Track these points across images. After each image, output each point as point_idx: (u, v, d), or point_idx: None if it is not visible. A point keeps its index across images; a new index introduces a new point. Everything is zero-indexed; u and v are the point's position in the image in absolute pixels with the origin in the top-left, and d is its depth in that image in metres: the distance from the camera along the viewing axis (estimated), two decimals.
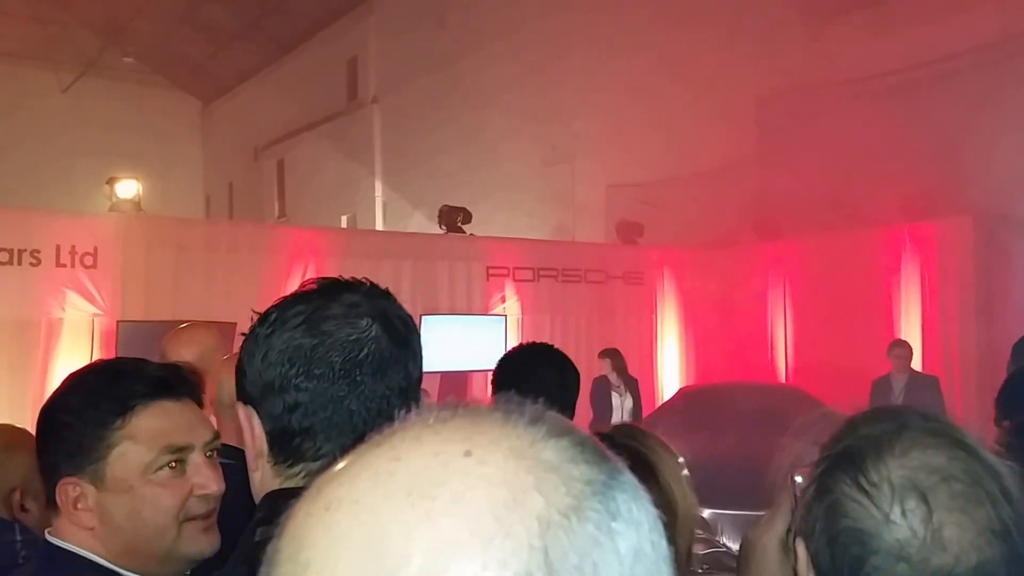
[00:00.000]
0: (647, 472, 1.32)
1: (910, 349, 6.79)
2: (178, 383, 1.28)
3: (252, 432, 0.97)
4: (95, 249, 6.97)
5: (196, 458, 1.25)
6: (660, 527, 0.44)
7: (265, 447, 0.96)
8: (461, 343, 8.73)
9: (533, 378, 2.05)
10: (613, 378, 7.56)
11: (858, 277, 8.57)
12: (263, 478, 0.97)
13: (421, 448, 0.41)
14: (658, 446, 1.45)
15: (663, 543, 0.44)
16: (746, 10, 10.11)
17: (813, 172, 8.94)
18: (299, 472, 0.94)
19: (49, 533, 1.22)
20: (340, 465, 0.44)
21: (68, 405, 1.24)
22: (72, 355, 6.73)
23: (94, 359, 6.71)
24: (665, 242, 10.49)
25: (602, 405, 7.42)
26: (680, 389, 9.08)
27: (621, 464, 0.45)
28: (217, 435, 1.32)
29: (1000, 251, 8.00)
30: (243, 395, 0.98)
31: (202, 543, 1.24)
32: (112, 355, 6.54)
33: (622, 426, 1.56)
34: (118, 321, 6.74)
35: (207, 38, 18.70)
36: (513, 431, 0.43)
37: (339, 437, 0.93)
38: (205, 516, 1.24)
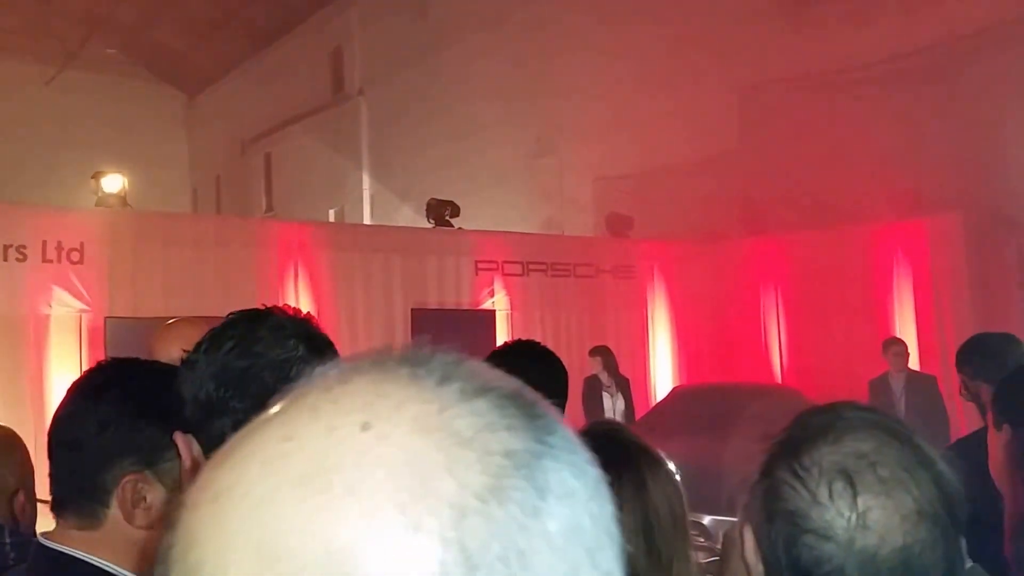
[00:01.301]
0: (624, 474, 1.27)
1: (906, 348, 6.75)
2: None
3: (191, 457, 1.00)
4: (82, 245, 6.90)
5: None
6: (603, 491, 0.39)
7: None
8: (451, 338, 8.70)
9: (520, 378, 2.03)
10: (604, 378, 7.50)
11: (850, 274, 8.59)
12: None
13: (316, 422, 0.36)
14: (638, 445, 1.40)
15: (606, 509, 0.38)
16: (728, 3, 10.12)
17: (799, 166, 8.95)
18: None
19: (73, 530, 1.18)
20: (232, 442, 0.39)
21: (148, 395, 1.20)
22: (60, 352, 6.67)
23: (83, 356, 6.67)
24: (655, 236, 10.49)
25: (593, 406, 7.34)
26: (674, 389, 9.06)
27: (554, 422, 0.39)
28: None
29: (991, 247, 8.04)
30: (181, 424, 1.01)
31: None
32: (100, 353, 6.49)
33: (600, 423, 1.51)
34: (106, 318, 6.68)
35: (189, 29, 18.55)
36: (419, 393, 0.37)
37: None
38: None
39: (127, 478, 1.15)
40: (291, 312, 1.07)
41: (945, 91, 8.49)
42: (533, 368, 2.05)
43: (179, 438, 1.02)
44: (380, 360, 0.40)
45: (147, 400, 1.19)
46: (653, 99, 10.65)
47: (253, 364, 0.98)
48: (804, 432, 0.92)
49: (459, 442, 0.35)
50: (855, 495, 0.85)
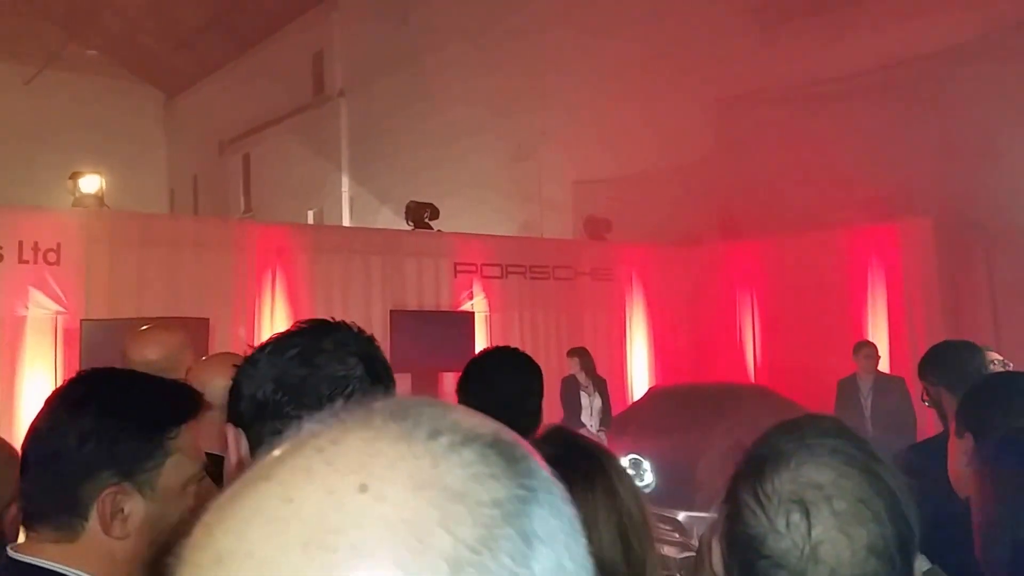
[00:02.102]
0: (597, 482, 1.30)
1: (876, 350, 6.85)
2: (201, 404, 1.31)
3: (238, 453, 1.02)
4: (58, 245, 6.85)
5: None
6: (577, 529, 0.42)
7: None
8: (431, 340, 8.74)
9: (497, 385, 2.06)
10: (582, 378, 7.58)
11: (824, 278, 8.71)
12: None
13: (313, 484, 0.38)
14: (601, 450, 1.43)
15: (582, 547, 0.41)
16: (704, 12, 10.24)
17: (775, 173, 9.07)
18: None
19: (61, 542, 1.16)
20: (227, 495, 0.39)
21: (124, 409, 1.21)
22: (35, 355, 6.63)
23: (58, 359, 6.63)
24: (633, 239, 10.57)
25: (571, 405, 7.44)
26: (650, 389, 9.14)
27: (533, 463, 0.41)
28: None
29: (961, 251, 8.19)
30: (234, 416, 1.03)
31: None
32: (75, 355, 6.46)
33: (555, 430, 1.53)
34: (82, 320, 6.64)
35: (172, 31, 18.43)
36: (411, 449, 0.39)
37: None
38: None
39: (107, 491, 1.16)
40: (356, 330, 1.09)
41: (916, 102, 8.65)
42: (510, 375, 2.09)
43: (230, 432, 1.04)
44: (369, 416, 0.41)
45: (127, 411, 1.20)
46: (632, 106, 10.74)
47: (312, 374, 1.00)
48: (769, 453, 0.93)
49: (451, 496, 0.37)
50: (809, 527, 0.87)
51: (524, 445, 0.43)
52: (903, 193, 8.23)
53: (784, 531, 0.88)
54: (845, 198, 8.47)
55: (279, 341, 1.04)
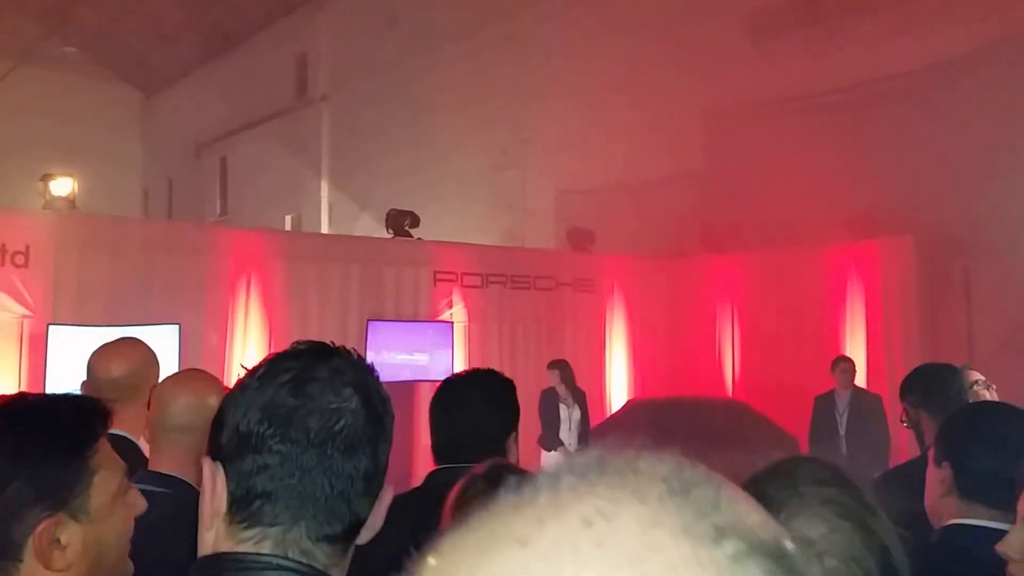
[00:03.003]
0: None
1: (854, 365, 6.87)
2: (109, 412, 1.27)
3: (214, 489, 0.93)
4: (27, 248, 6.68)
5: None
6: None
7: (224, 507, 0.92)
8: (409, 350, 8.63)
9: (464, 406, 1.99)
10: (561, 390, 7.51)
11: (804, 293, 8.72)
12: (216, 537, 0.93)
13: (582, 570, 0.32)
14: None
15: None
16: (694, 24, 10.25)
17: (759, 187, 9.08)
18: (253, 537, 0.91)
19: None
20: (476, 559, 0.34)
21: (37, 439, 1.15)
22: (0, 358, 6.44)
23: (23, 364, 6.44)
24: (615, 251, 10.52)
25: (550, 417, 7.38)
26: (628, 401, 9.10)
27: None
28: None
29: (941, 270, 8.22)
30: (214, 449, 0.95)
31: (130, 566, 1.25)
32: (41, 360, 6.28)
33: (500, 465, 1.44)
34: (48, 324, 6.46)
35: (153, 30, 18.20)
36: (695, 553, 0.33)
37: (299, 508, 0.90)
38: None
39: (40, 527, 1.11)
40: (355, 356, 1.00)
41: (899, 118, 8.69)
42: (472, 394, 2.01)
43: (207, 466, 0.94)
44: (642, 484, 0.35)
45: (41, 443, 1.14)
46: (618, 117, 10.73)
47: (302, 405, 0.92)
48: (760, 499, 0.87)
49: None
50: None
51: (798, 556, 0.37)
52: (885, 210, 8.25)
53: None
54: (827, 214, 8.48)
55: (272, 364, 0.95)
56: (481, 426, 1.93)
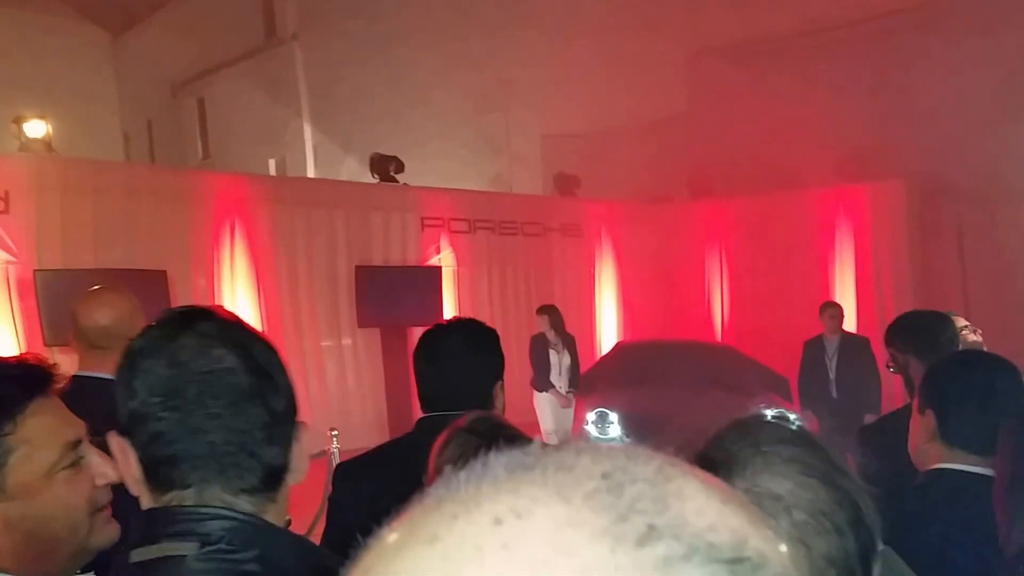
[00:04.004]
0: None
1: (842, 310, 6.90)
2: (47, 379, 1.21)
3: (127, 461, 0.98)
4: (6, 193, 6.54)
5: (87, 448, 1.21)
6: None
7: (139, 474, 0.97)
8: (397, 296, 8.60)
9: (448, 355, 1.99)
10: (551, 336, 7.51)
11: (793, 238, 8.74)
12: (144, 501, 0.99)
13: (483, 570, 0.30)
14: (526, 440, 1.37)
15: None
16: None
17: (745, 131, 9.01)
18: (172, 500, 0.96)
19: None
20: (391, 556, 0.32)
21: None
22: None
23: (14, 309, 6.36)
24: (603, 196, 10.47)
25: (540, 363, 7.39)
26: (617, 344, 9.15)
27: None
28: (83, 426, 1.25)
29: (931, 214, 8.24)
30: (119, 426, 0.98)
31: (109, 532, 1.22)
32: (33, 305, 6.21)
33: (479, 419, 1.44)
34: (35, 270, 6.36)
35: None
36: (613, 558, 0.30)
37: (205, 469, 0.95)
38: (108, 505, 1.22)
39: None
40: (224, 315, 1.02)
41: (891, 62, 8.62)
42: (467, 351, 2.00)
43: (115, 443, 0.97)
44: (566, 480, 0.32)
45: None
46: (602, 61, 10.57)
47: (177, 375, 0.95)
48: (722, 458, 0.85)
49: None
50: None
51: (773, 561, 0.32)
52: (875, 155, 8.24)
53: None
54: (816, 157, 8.45)
55: (144, 338, 0.99)
56: (466, 375, 1.93)
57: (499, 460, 0.34)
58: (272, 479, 0.98)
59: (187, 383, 0.94)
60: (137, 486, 0.98)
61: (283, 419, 0.99)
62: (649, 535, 0.30)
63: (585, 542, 0.30)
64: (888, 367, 3.09)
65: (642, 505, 0.31)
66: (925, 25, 8.42)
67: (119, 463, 0.99)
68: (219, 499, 0.94)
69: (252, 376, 0.97)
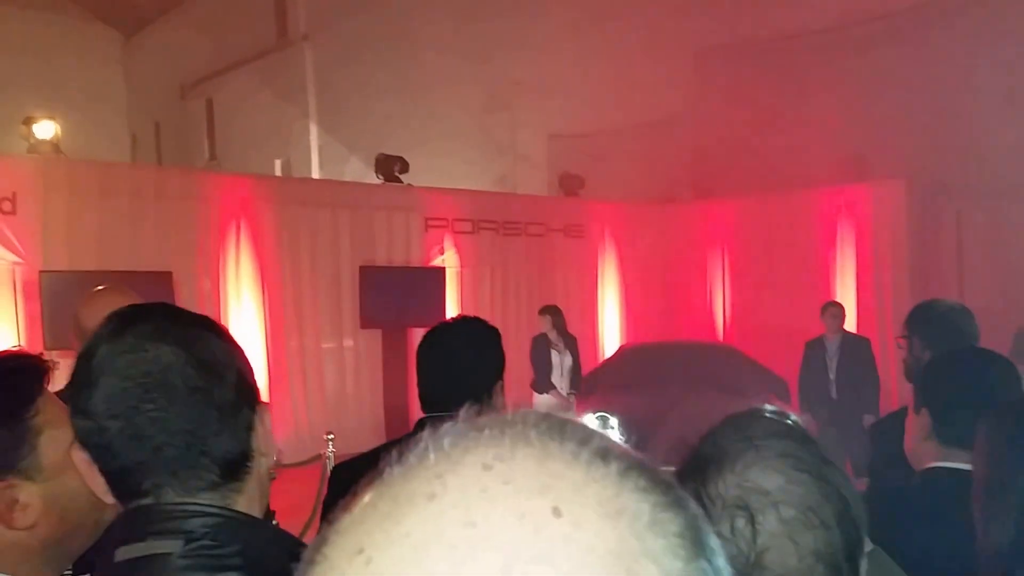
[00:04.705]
0: None
1: (843, 310, 6.91)
2: (45, 368, 1.25)
3: (92, 474, 0.98)
4: (13, 194, 6.61)
5: None
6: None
7: (104, 486, 0.98)
8: (400, 296, 8.64)
9: (449, 354, 2.00)
10: (553, 336, 7.52)
11: (795, 238, 8.74)
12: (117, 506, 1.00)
13: (496, 506, 0.33)
14: None
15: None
16: None
17: (749, 132, 9.01)
18: (134, 508, 0.96)
19: None
20: (389, 519, 0.34)
21: None
22: None
23: (19, 310, 6.43)
24: (607, 196, 10.48)
25: (542, 363, 7.41)
26: (621, 346, 9.15)
27: (674, 484, 0.38)
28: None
29: (932, 213, 8.23)
30: (77, 435, 0.99)
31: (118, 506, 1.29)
32: (37, 307, 6.28)
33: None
34: (41, 271, 6.43)
35: None
36: (589, 473, 0.35)
37: (155, 474, 0.93)
38: None
39: None
40: (167, 311, 1.01)
41: (892, 60, 8.60)
42: (468, 350, 2.01)
43: (76, 454, 0.98)
44: (518, 431, 0.37)
45: None
46: (607, 61, 10.57)
47: (116, 382, 0.95)
48: (714, 453, 0.89)
49: (646, 526, 0.34)
50: (755, 534, 0.84)
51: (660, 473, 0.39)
52: (876, 155, 8.23)
53: (728, 536, 0.84)
54: (819, 157, 8.45)
55: (89, 349, 0.98)
56: (466, 375, 1.92)
57: (438, 435, 0.38)
58: (232, 470, 0.96)
59: (124, 390, 0.93)
60: (108, 496, 0.98)
61: (234, 408, 0.97)
62: (606, 454, 0.36)
63: (564, 468, 0.35)
64: (898, 344, 2.86)
65: (585, 438, 0.37)
66: (926, 25, 8.41)
67: (86, 477, 0.99)
68: (177, 501, 0.93)
69: (193, 370, 0.94)
